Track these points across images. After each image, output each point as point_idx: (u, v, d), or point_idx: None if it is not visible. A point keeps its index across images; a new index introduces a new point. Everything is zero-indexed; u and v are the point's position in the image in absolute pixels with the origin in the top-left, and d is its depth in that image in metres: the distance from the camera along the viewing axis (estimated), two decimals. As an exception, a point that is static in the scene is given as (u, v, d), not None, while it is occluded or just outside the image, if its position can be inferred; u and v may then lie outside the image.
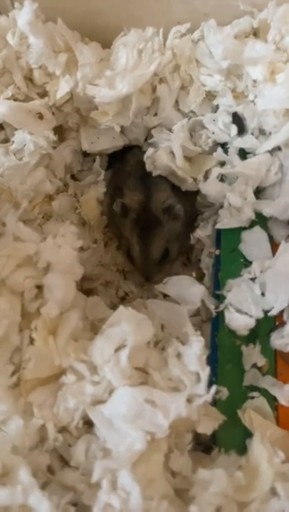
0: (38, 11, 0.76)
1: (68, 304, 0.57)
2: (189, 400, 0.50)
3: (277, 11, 0.77)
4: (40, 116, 0.77)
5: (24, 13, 0.75)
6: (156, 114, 0.83)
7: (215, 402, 0.57)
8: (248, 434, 0.54)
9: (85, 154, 0.89)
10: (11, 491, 0.45)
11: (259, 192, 0.76)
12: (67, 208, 0.84)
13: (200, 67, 0.81)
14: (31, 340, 0.53)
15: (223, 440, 0.55)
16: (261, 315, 0.64)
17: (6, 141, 0.79)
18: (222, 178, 0.77)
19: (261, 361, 0.61)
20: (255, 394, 0.59)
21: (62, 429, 0.52)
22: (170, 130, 0.82)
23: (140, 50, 0.79)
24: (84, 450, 0.50)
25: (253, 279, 0.66)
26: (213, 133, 0.80)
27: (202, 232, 0.78)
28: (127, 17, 0.81)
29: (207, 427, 0.52)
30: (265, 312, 0.64)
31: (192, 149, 0.80)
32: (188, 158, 0.81)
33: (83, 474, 0.49)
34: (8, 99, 0.77)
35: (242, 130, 0.79)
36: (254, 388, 0.60)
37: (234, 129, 0.79)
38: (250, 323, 0.63)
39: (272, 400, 0.59)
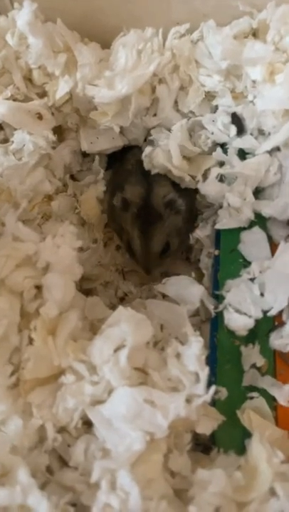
0: (38, 12, 0.76)
1: (67, 304, 0.57)
2: (188, 400, 0.50)
3: (277, 12, 0.77)
4: (40, 117, 0.77)
5: (23, 14, 0.75)
6: (155, 115, 0.83)
7: (214, 403, 0.57)
8: (247, 434, 0.54)
9: (85, 154, 0.89)
10: (10, 491, 0.45)
11: (258, 192, 0.76)
12: (67, 208, 0.84)
13: (199, 67, 0.81)
14: (30, 341, 0.53)
15: (222, 440, 0.55)
16: (260, 315, 0.64)
17: (6, 141, 0.79)
18: (221, 179, 0.77)
19: (260, 361, 0.61)
20: (255, 394, 0.59)
21: (62, 429, 0.52)
22: (169, 130, 0.82)
23: (139, 51, 0.79)
24: (83, 450, 0.50)
25: (252, 280, 0.66)
26: (213, 133, 0.80)
27: (201, 233, 0.79)
28: (127, 17, 0.81)
29: (206, 427, 0.52)
30: (265, 312, 0.64)
31: (191, 149, 0.80)
32: (187, 159, 0.81)
33: (82, 474, 0.49)
34: (7, 99, 0.77)
35: (241, 130, 0.79)
36: (253, 388, 0.60)
37: (233, 129, 0.79)
38: (250, 323, 0.63)
39: (271, 400, 0.59)
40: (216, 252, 0.72)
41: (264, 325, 0.64)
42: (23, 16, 0.75)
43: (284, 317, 0.64)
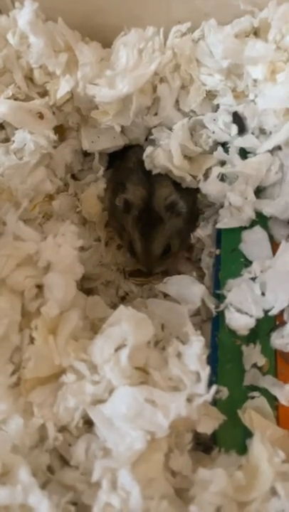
0: (39, 11, 0.76)
1: (68, 303, 0.57)
2: (189, 400, 0.50)
3: (278, 10, 0.77)
4: (41, 116, 0.77)
5: (24, 13, 0.75)
6: (156, 114, 0.83)
7: (215, 402, 0.57)
8: (248, 433, 0.54)
9: (86, 154, 0.89)
10: (11, 491, 0.45)
11: (259, 191, 0.76)
12: (68, 208, 0.84)
13: (200, 66, 0.80)
14: (31, 340, 0.54)
15: (223, 440, 0.55)
16: (261, 315, 0.64)
17: (7, 140, 0.79)
18: (222, 178, 0.77)
19: (261, 361, 0.61)
20: (256, 394, 0.59)
21: (62, 429, 0.52)
22: (170, 129, 0.82)
23: (140, 50, 0.79)
24: (84, 449, 0.50)
25: (253, 279, 0.66)
26: (214, 132, 0.80)
27: (202, 232, 0.79)
28: (128, 16, 0.81)
29: (207, 427, 0.52)
30: (266, 312, 0.64)
31: (192, 149, 0.80)
32: (188, 158, 0.81)
33: (83, 474, 0.49)
34: (8, 98, 0.77)
35: (242, 129, 0.79)
36: (254, 388, 0.60)
37: (234, 128, 0.79)
38: (251, 322, 0.63)
39: (272, 400, 0.59)
40: (217, 252, 0.72)
41: (265, 324, 0.64)
42: (24, 16, 0.75)
43: (285, 316, 0.64)
